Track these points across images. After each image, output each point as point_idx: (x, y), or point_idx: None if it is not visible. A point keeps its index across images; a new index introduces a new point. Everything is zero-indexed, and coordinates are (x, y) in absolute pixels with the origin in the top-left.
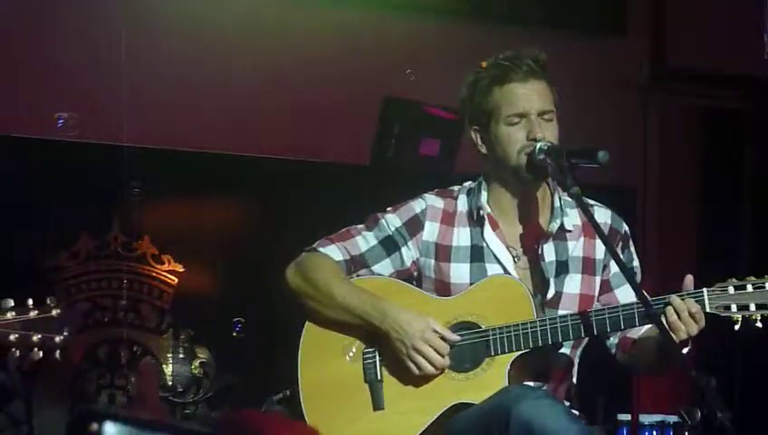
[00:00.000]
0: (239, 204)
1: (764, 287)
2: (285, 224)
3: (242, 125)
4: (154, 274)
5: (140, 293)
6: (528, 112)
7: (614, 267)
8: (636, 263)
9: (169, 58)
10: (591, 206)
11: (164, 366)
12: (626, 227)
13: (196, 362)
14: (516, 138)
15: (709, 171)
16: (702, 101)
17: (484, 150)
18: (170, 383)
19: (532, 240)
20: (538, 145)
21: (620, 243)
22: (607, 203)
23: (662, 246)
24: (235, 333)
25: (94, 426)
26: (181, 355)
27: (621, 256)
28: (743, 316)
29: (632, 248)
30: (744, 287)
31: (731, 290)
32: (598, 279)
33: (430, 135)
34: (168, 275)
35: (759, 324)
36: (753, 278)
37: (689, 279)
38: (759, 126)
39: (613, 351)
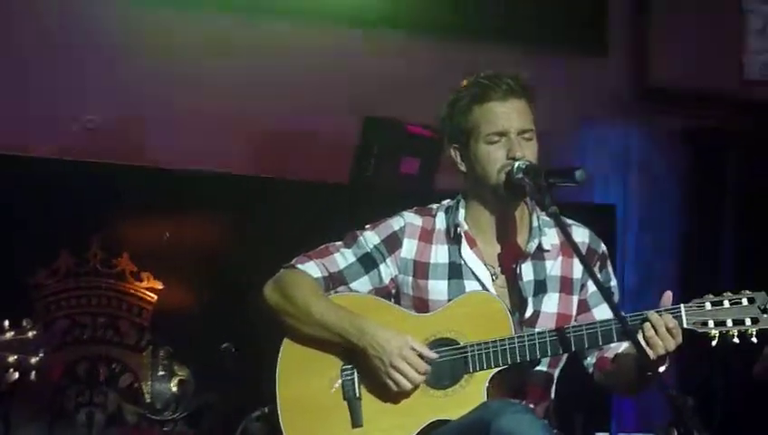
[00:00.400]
0: (218, 221)
1: (741, 303)
2: (265, 242)
3: (221, 143)
4: (133, 291)
5: (119, 310)
6: (507, 131)
7: (592, 287)
8: (613, 283)
9: (144, 76)
10: (570, 225)
11: (143, 383)
12: (603, 247)
13: (176, 380)
14: (496, 156)
15: (690, 190)
16: (683, 121)
17: (463, 169)
18: (149, 401)
19: (510, 259)
20: (516, 164)
21: (598, 262)
22: (587, 221)
23: (643, 264)
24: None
25: None
26: (160, 372)
27: (599, 276)
28: (720, 332)
29: (609, 268)
30: (720, 303)
31: (708, 306)
32: (575, 298)
33: (410, 153)
34: (147, 293)
35: (736, 340)
36: (729, 294)
37: (668, 295)
38: (739, 145)
39: (590, 370)
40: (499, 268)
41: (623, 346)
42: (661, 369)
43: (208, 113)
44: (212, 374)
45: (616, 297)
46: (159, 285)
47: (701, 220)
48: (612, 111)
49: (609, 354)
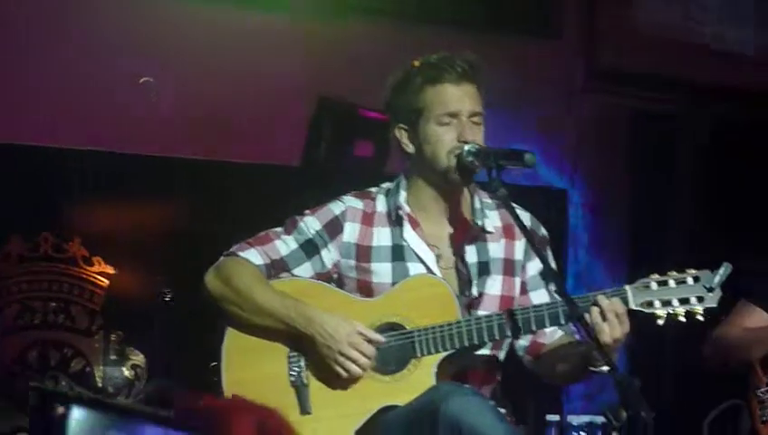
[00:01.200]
0: (169, 205)
1: (686, 282)
2: (217, 225)
3: (171, 127)
4: (84, 275)
5: (71, 295)
6: (459, 113)
7: (531, 270)
8: (553, 266)
9: (100, 61)
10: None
11: (95, 368)
12: (544, 231)
13: (128, 364)
14: (446, 138)
15: (640, 173)
16: (633, 103)
17: (409, 149)
18: (101, 385)
19: (453, 241)
20: (466, 147)
21: (538, 246)
22: (538, 205)
23: (593, 248)
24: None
25: (60, 409)
26: (112, 357)
27: (539, 260)
28: (666, 312)
29: (549, 252)
30: (666, 283)
31: (653, 286)
32: (518, 280)
33: (364, 137)
34: (99, 277)
35: (682, 319)
36: (674, 273)
37: None
38: (691, 128)
39: (520, 353)
40: (443, 249)
41: (558, 334)
42: (614, 356)
43: (164, 98)
44: (164, 358)
45: (551, 285)
46: (111, 270)
47: (651, 204)
48: (564, 94)
49: (543, 340)
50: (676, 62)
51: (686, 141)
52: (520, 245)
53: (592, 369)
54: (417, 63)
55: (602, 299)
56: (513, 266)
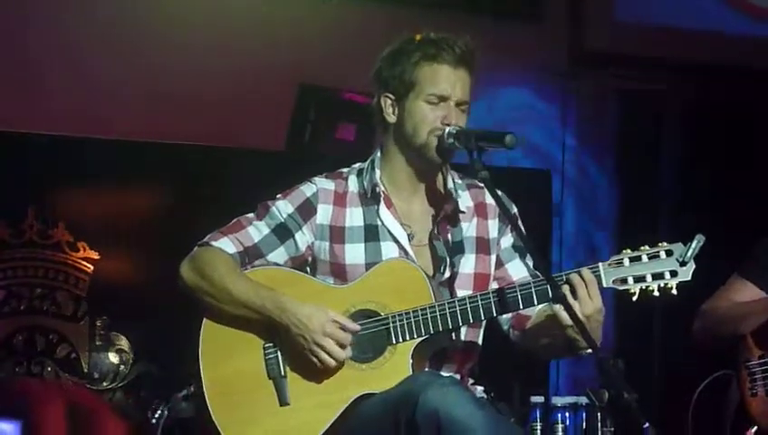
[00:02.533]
0: (154, 191)
1: (659, 256)
2: (201, 211)
3: (157, 111)
4: (69, 261)
5: (56, 280)
6: (449, 97)
7: (504, 243)
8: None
9: (83, 45)
10: (482, 188)
11: (81, 354)
12: (515, 209)
13: (113, 350)
14: (430, 117)
15: (626, 155)
16: (619, 84)
17: (390, 120)
18: (87, 371)
19: (427, 220)
20: (447, 129)
21: (509, 223)
22: (523, 187)
23: (578, 229)
24: None
25: None
26: (98, 343)
27: (511, 234)
28: (640, 288)
29: (522, 229)
30: (639, 259)
31: (626, 262)
32: (493, 258)
33: (347, 120)
34: (84, 263)
35: (656, 293)
36: (647, 248)
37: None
38: (676, 109)
39: (505, 328)
40: (416, 228)
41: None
42: (595, 335)
43: (147, 84)
44: (150, 344)
45: (528, 259)
46: (95, 256)
47: (637, 186)
48: (549, 75)
49: (528, 312)
50: (664, 42)
51: (674, 123)
52: (493, 223)
53: (575, 351)
54: (418, 37)
55: (573, 276)
56: (487, 244)
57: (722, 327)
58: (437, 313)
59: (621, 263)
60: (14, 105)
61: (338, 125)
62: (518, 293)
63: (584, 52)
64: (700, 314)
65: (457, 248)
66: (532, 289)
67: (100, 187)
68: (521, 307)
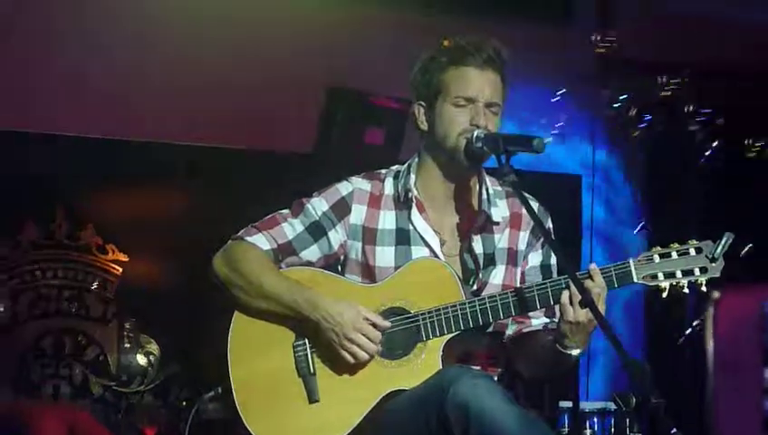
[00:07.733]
0: (184, 193)
1: (689, 253)
2: (230, 213)
3: (190, 114)
4: (98, 263)
5: (85, 282)
6: (477, 99)
7: (531, 260)
8: (553, 260)
9: (113, 48)
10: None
11: (109, 356)
12: (550, 223)
13: (142, 352)
14: (459, 120)
15: (657, 160)
16: (648, 90)
17: (423, 127)
18: (115, 373)
19: (459, 230)
20: (476, 133)
21: (542, 238)
22: (553, 191)
23: (608, 234)
24: None
25: None
26: (126, 345)
27: (542, 251)
28: (670, 284)
29: (553, 242)
30: (669, 255)
31: (656, 259)
32: (519, 270)
33: (375, 124)
34: (113, 265)
35: (686, 290)
36: (676, 245)
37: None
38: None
39: (505, 340)
40: (447, 237)
41: (542, 319)
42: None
43: (178, 85)
44: (178, 346)
45: (554, 275)
46: (124, 258)
47: (668, 192)
48: (579, 80)
49: (527, 329)
50: (693, 48)
51: (704, 129)
52: (524, 235)
53: (560, 349)
54: (446, 43)
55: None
56: (515, 256)
57: None
58: (467, 309)
59: (651, 259)
60: (45, 108)
61: (366, 129)
62: (548, 289)
63: (616, 57)
64: None
65: (488, 261)
66: (563, 285)
67: (128, 189)
68: (551, 303)
